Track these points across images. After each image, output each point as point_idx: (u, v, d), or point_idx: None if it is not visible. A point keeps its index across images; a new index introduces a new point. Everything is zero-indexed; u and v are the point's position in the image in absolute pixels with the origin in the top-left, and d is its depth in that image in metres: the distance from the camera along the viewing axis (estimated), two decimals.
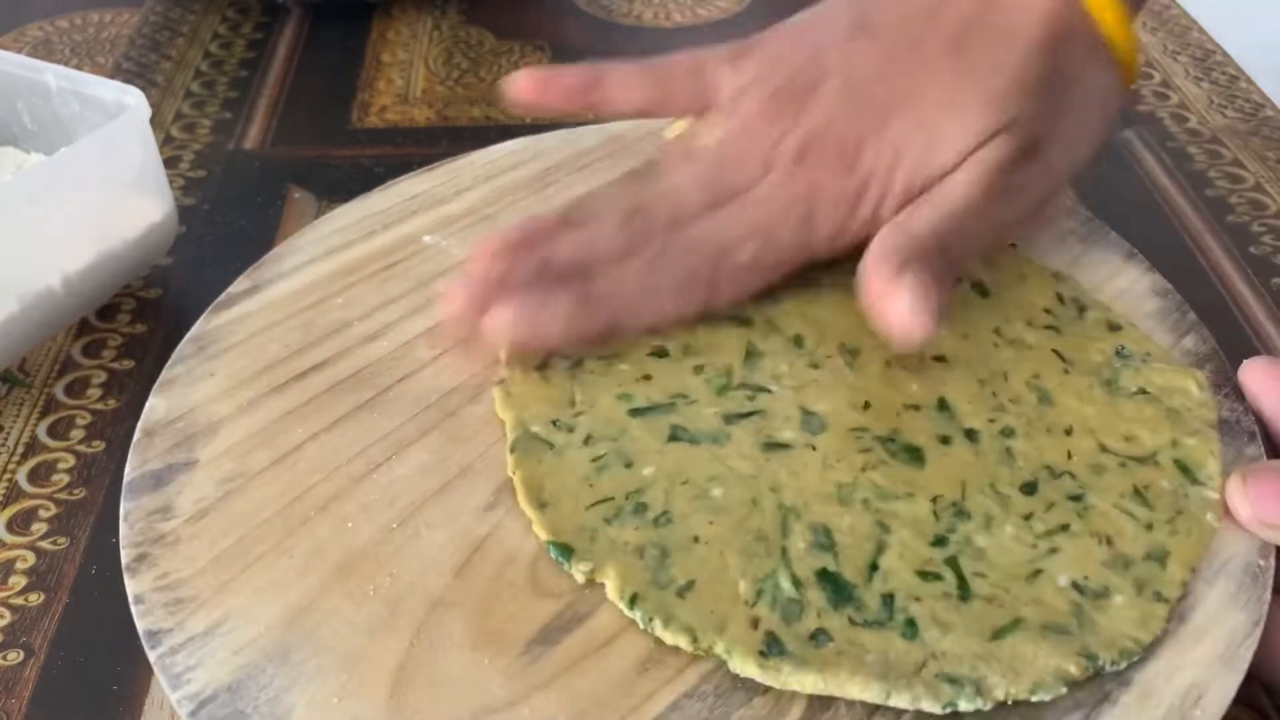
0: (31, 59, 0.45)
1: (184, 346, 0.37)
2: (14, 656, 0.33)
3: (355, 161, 0.54)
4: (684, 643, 0.28)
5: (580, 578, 0.30)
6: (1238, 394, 0.35)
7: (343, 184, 0.52)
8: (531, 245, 0.35)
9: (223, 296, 0.39)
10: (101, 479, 0.38)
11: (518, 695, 0.27)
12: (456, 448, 0.34)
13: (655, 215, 0.36)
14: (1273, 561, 0.30)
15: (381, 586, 0.30)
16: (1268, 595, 0.29)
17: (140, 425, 0.34)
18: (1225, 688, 0.27)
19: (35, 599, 0.35)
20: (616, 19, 0.66)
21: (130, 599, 0.30)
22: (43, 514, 0.37)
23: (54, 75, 0.45)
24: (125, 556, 0.31)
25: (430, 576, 0.30)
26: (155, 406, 0.35)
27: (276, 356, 0.37)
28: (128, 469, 0.33)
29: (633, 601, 0.29)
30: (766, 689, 0.27)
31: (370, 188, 0.44)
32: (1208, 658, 0.28)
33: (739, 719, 0.27)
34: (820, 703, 0.27)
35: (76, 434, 0.40)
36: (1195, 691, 0.27)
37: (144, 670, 0.32)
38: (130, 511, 0.32)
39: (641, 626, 0.28)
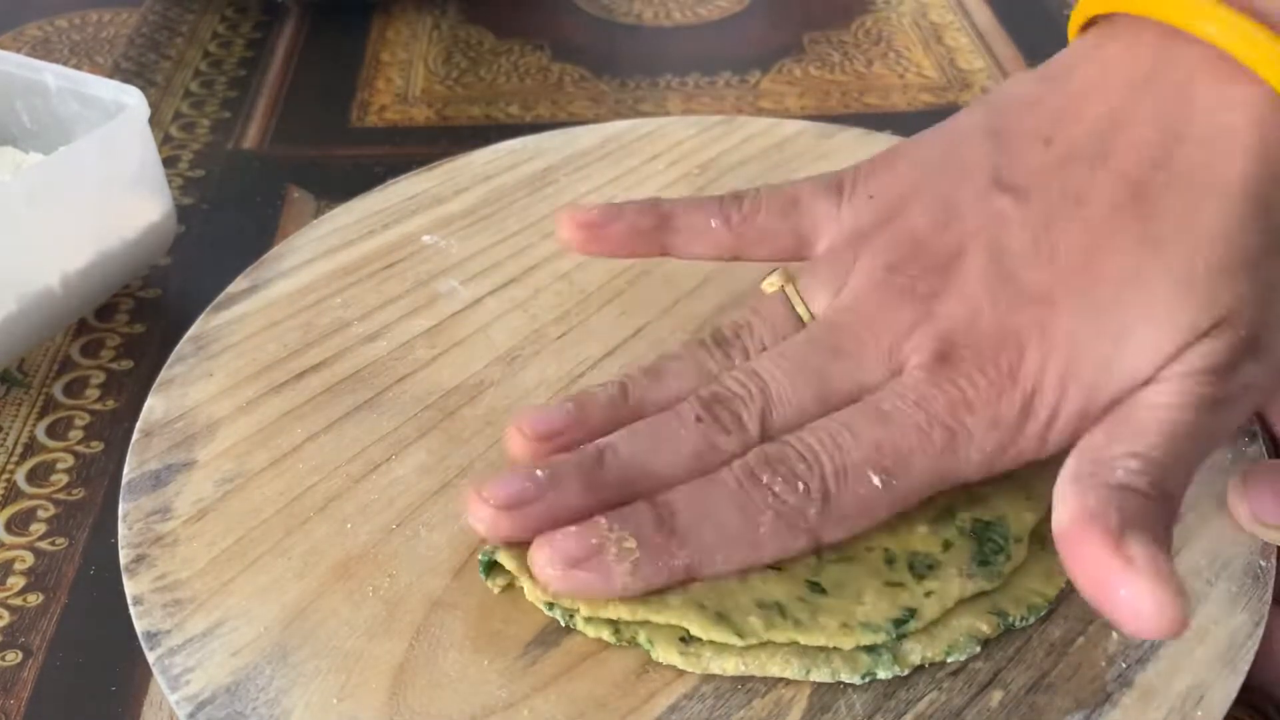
0: (30, 58, 0.45)
1: (183, 346, 0.37)
2: (13, 657, 0.33)
3: (355, 161, 0.54)
4: (607, 635, 0.28)
5: (496, 590, 0.29)
6: None
7: (342, 184, 0.52)
8: (584, 429, 0.29)
9: (221, 296, 0.39)
10: (100, 479, 0.38)
11: (517, 696, 0.27)
12: (456, 448, 0.34)
13: (741, 413, 0.28)
14: (1274, 563, 0.30)
15: (381, 587, 0.30)
16: (1269, 596, 0.29)
17: (139, 425, 0.34)
18: (1227, 688, 0.27)
19: (34, 599, 0.35)
20: (617, 18, 0.66)
21: (129, 600, 0.29)
22: (41, 514, 0.37)
23: (53, 75, 0.45)
24: (124, 557, 0.31)
25: (429, 577, 0.30)
26: (154, 407, 0.35)
27: (275, 356, 0.37)
28: (126, 469, 0.33)
29: (550, 604, 0.28)
30: (766, 691, 0.27)
31: (370, 188, 0.44)
32: (1209, 658, 0.28)
33: None
34: (820, 704, 0.27)
35: (75, 434, 0.40)
36: (1197, 692, 0.27)
37: (143, 671, 0.32)
38: (129, 512, 0.32)
39: (563, 624, 0.28)
